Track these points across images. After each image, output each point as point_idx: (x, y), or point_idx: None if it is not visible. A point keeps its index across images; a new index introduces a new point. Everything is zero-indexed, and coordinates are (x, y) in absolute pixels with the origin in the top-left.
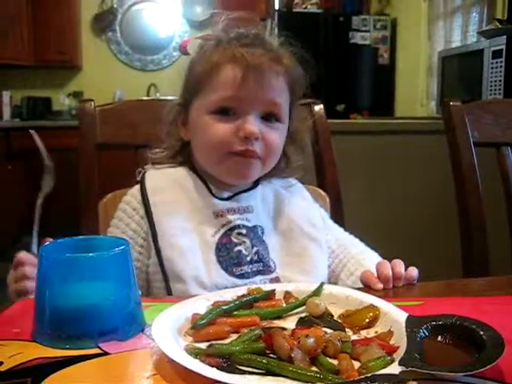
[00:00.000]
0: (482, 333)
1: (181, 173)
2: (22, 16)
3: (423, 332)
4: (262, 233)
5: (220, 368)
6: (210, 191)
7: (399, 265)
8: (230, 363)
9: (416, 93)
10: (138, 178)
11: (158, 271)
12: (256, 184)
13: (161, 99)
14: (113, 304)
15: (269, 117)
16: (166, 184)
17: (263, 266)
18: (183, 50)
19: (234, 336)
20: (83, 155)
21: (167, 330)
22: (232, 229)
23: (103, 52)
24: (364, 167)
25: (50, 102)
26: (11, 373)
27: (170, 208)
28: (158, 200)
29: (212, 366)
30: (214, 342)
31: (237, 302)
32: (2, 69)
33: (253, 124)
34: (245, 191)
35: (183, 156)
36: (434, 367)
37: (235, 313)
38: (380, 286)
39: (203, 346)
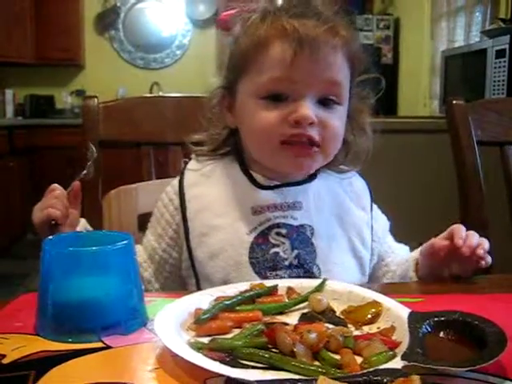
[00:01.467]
0: (484, 329)
1: (223, 165)
2: (25, 14)
3: (425, 328)
4: (312, 233)
5: (222, 362)
6: (254, 182)
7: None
8: (232, 357)
9: (419, 92)
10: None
11: (190, 268)
12: (311, 177)
13: (164, 96)
14: (115, 298)
15: (327, 100)
16: (205, 178)
17: (304, 272)
18: (223, 24)
19: (237, 331)
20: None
21: (170, 324)
22: (270, 228)
23: (106, 50)
24: (367, 166)
25: (52, 100)
26: (14, 365)
27: (205, 204)
28: (193, 195)
29: (214, 360)
30: (216, 337)
31: (239, 297)
32: (4, 67)
33: (306, 107)
34: (296, 184)
35: (229, 145)
36: (437, 362)
37: (238, 308)
38: (461, 241)
39: (205, 340)
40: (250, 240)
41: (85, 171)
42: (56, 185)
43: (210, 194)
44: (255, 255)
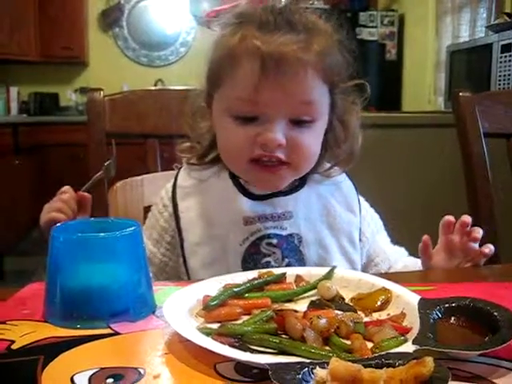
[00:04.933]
0: (495, 314)
1: (213, 175)
2: (29, 12)
3: (436, 314)
4: (300, 242)
5: (232, 347)
6: (244, 192)
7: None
8: (241, 343)
9: (423, 89)
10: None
11: (185, 274)
12: (300, 185)
13: (170, 89)
14: (124, 285)
15: (300, 119)
16: (196, 186)
17: None
18: (206, 22)
19: (246, 318)
20: (92, 144)
21: (179, 310)
22: (261, 238)
23: (110, 48)
24: (371, 160)
25: (57, 97)
26: (23, 351)
27: (197, 214)
28: (186, 206)
29: (224, 345)
30: (225, 323)
31: (248, 285)
32: (9, 64)
33: (274, 131)
34: (285, 193)
35: (216, 150)
36: (449, 346)
37: (246, 295)
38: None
39: (214, 327)
40: (242, 250)
41: (101, 172)
42: (67, 187)
43: (202, 204)
44: (247, 265)
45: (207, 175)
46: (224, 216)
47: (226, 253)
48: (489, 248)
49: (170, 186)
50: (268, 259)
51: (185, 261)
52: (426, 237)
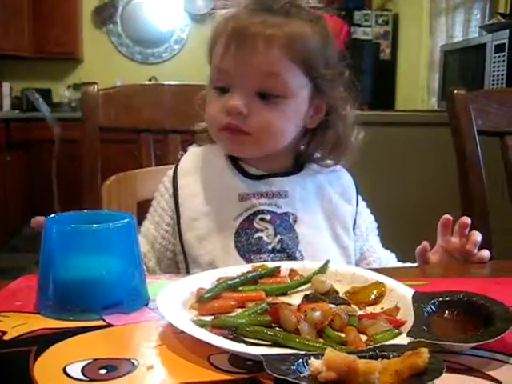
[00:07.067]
0: (490, 307)
1: (215, 152)
2: (22, 7)
3: (430, 307)
4: (294, 221)
5: (226, 339)
6: (242, 172)
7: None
8: (235, 335)
9: (417, 89)
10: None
11: (181, 252)
12: (297, 169)
13: (164, 84)
14: (117, 277)
15: (267, 92)
16: (197, 166)
17: (287, 256)
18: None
19: (239, 311)
20: (87, 138)
21: (172, 302)
22: (255, 214)
23: (104, 44)
24: (364, 158)
25: (50, 93)
26: (15, 342)
27: (195, 190)
28: (185, 183)
29: (218, 337)
30: (219, 315)
31: (242, 278)
32: (2, 60)
33: (235, 99)
34: (282, 174)
35: None
36: (443, 338)
37: (240, 288)
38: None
39: (208, 319)
40: (235, 225)
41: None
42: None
43: (200, 182)
44: (240, 239)
45: (207, 156)
46: (220, 192)
47: (220, 227)
48: (487, 253)
49: (171, 170)
50: (260, 234)
51: (181, 236)
52: (425, 242)
